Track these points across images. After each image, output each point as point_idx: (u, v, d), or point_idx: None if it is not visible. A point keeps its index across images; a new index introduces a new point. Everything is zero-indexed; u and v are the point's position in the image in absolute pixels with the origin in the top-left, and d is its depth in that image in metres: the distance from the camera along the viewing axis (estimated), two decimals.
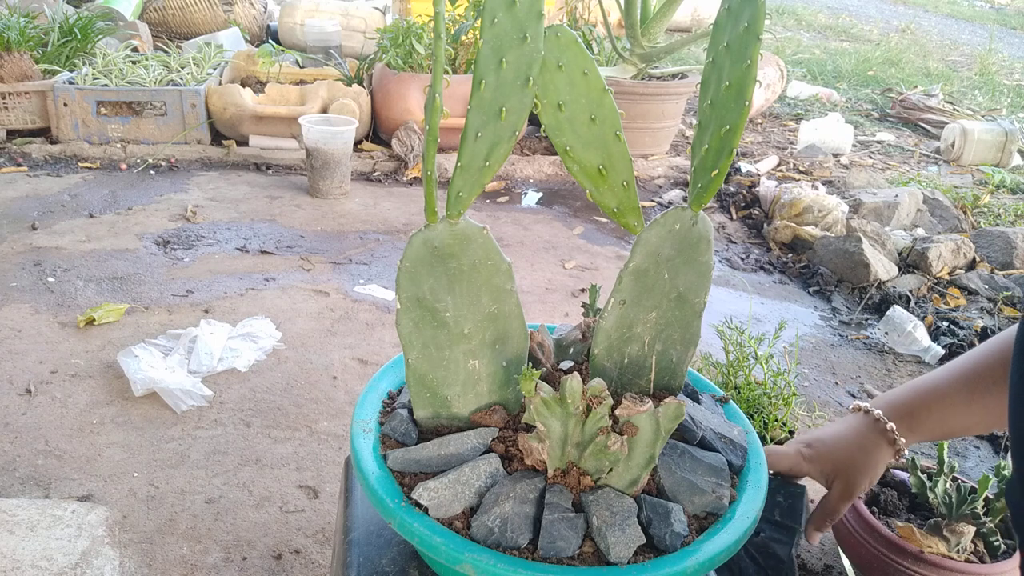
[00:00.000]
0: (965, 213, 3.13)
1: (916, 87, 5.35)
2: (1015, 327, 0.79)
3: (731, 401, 0.88)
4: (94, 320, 1.99)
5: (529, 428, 0.72)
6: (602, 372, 0.79)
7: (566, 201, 3.23)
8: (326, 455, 1.60)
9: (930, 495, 1.24)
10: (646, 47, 3.46)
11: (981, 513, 1.20)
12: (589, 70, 0.74)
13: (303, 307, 2.17)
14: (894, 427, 0.84)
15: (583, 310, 0.94)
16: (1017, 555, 1.18)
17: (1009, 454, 0.62)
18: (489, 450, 0.74)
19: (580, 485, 0.70)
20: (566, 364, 0.86)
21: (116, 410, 1.68)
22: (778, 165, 3.71)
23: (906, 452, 0.86)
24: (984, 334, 2.23)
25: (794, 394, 1.47)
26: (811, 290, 2.54)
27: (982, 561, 1.18)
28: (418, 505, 0.68)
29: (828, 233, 2.76)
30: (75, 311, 2.06)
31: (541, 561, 0.64)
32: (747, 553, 0.86)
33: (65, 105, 3.19)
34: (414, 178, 3.31)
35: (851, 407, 0.91)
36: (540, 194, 3.32)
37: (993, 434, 1.85)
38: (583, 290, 2.41)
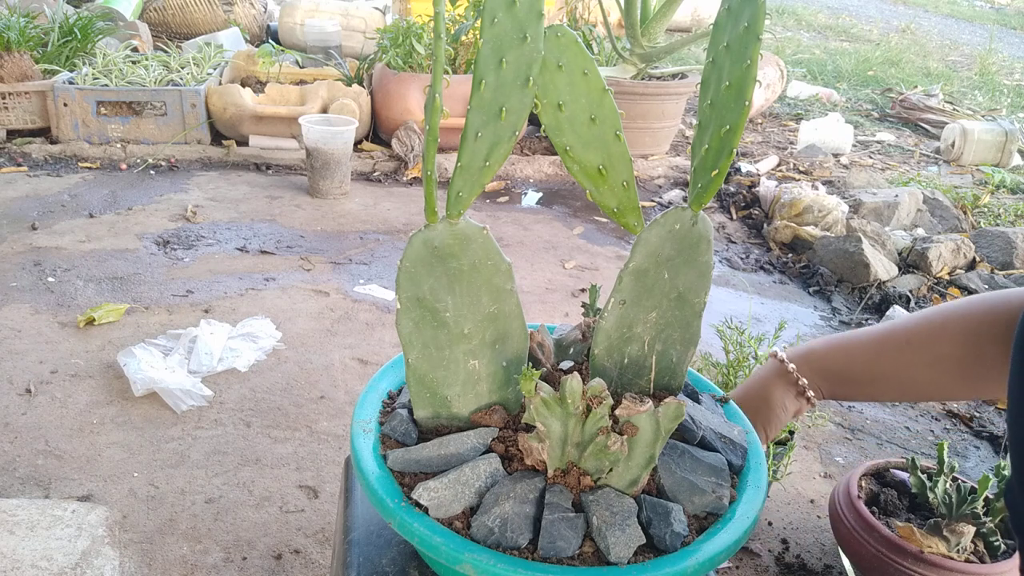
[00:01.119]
0: (965, 213, 3.13)
1: (916, 87, 5.35)
2: (949, 304, 0.79)
3: (731, 401, 0.88)
4: (94, 320, 1.99)
5: (529, 428, 0.72)
6: (602, 372, 0.80)
7: (566, 201, 3.23)
8: (326, 455, 1.60)
9: (930, 495, 1.24)
10: (646, 47, 3.46)
11: (981, 513, 1.20)
12: (589, 70, 0.74)
13: (303, 307, 2.17)
14: (795, 368, 0.83)
15: (583, 310, 0.94)
16: (1017, 555, 1.18)
17: (1008, 455, 0.62)
18: (489, 450, 0.74)
19: (580, 485, 0.70)
20: (566, 364, 0.86)
21: (116, 410, 1.68)
22: (778, 165, 3.71)
23: (813, 400, 0.84)
24: None
25: None
26: (811, 290, 2.54)
27: (982, 561, 1.18)
28: (418, 505, 0.68)
29: (828, 233, 2.76)
30: (75, 311, 2.06)
31: (541, 561, 0.64)
32: None
33: (65, 105, 3.19)
34: (414, 178, 3.31)
35: (769, 352, 0.89)
36: (540, 194, 3.32)
37: (993, 434, 1.85)
38: (583, 290, 2.41)
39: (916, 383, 0.79)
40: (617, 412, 0.67)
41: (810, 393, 0.84)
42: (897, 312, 2.25)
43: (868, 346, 0.81)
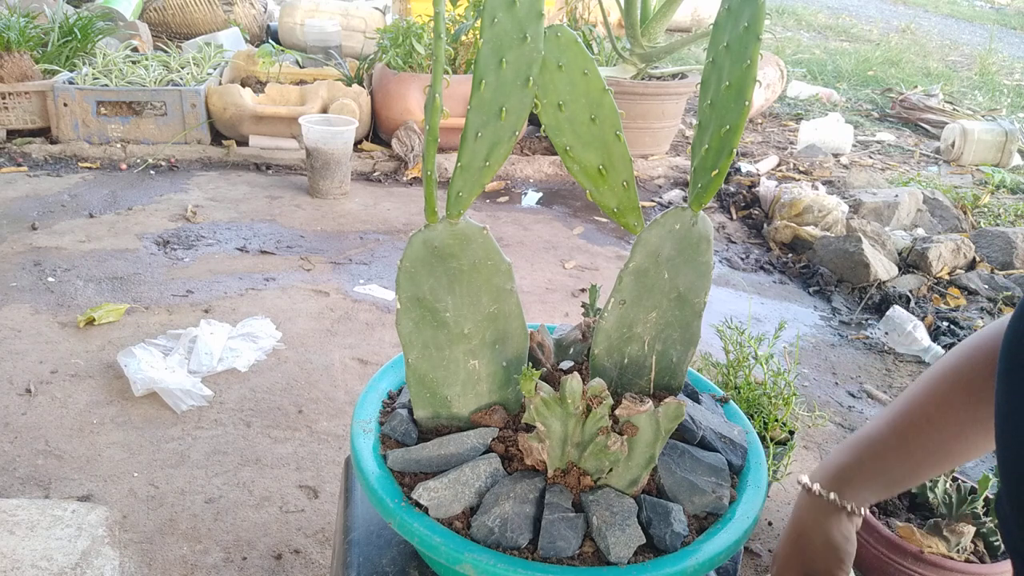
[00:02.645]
0: (965, 213, 3.13)
1: (916, 87, 5.35)
2: (944, 359, 0.77)
3: (731, 401, 0.88)
4: (94, 320, 1.99)
5: (529, 428, 0.72)
6: (602, 372, 0.80)
7: (566, 201, 3.23)
8: (326, 455, 1.60)
9: (930, 495, 1.24)
10: (646, 47, 3.46)
11: (981, 513, 1.20)
12: (589, 70, 0.74)
13: (303, 307, 2.17)
14: (836, 497, 0.78)
15: (583, 310, 0.94)
16: None
17: (997, 467, 0.61)
18: (489, 450, 0.74)
19: (580, 485, 0.70)
20: (566, 364, 0.86)
21: (116, 410, 1.68)
22: (778, 165, 3.71)
23: (864, 510, 0.79)
24: None
25: (794, 394, 1.47)
26: (811, 290, 2.54)
27: (982, 561, 1.18)
28: (418, 505, 0.68)
29: (828, 233, 2.76)
30: (75, 311, 2.06)
31: (541, 561, 0.64)
32: None
33: (65, 105, 3.19)
34: (414, 178, 3.31)
35: (800, 483, 0.84)
36: (540, 194, 3.32)
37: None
38: (583, 290, 2.41)
39: (952, 456, 0.75)
40: (617, 412, 0.67)
41: (859, 511, 0.79)
42: (897, 312, 2.25)
43: (894, 443, 0.77)
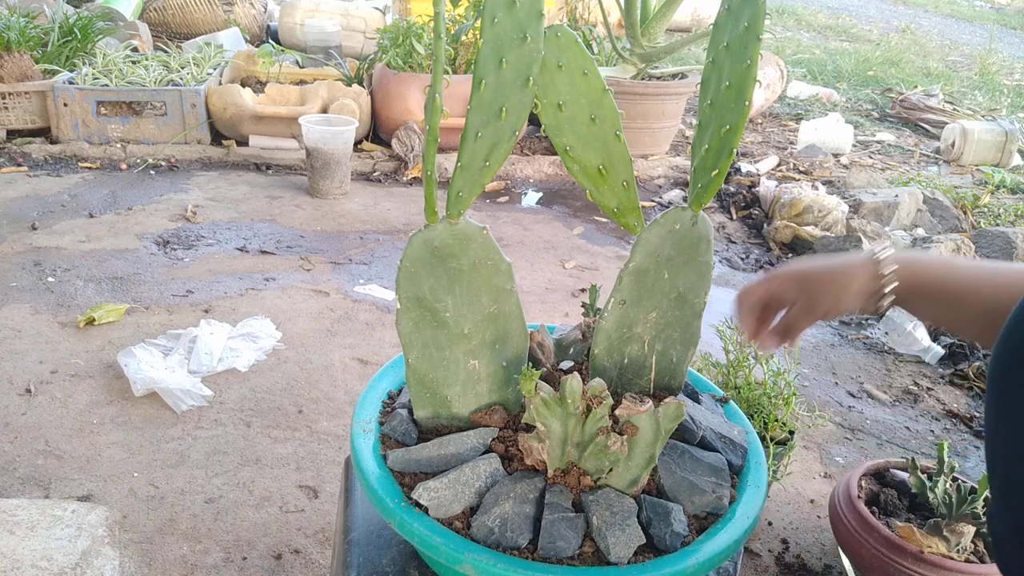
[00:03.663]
0: (965, 213, 3.12)
1: (916, 87, 5.34)
2: None
3: (731, 401, 0.88)
4: (94, 320, 1.99)
5: (529, 428, 0.72)
6: (602, 372, 0.80)
7: (566, 201, 3.23)
8: (326, 455, 1.60)
9: (930, 495, 1.24)
10: (646, 47, 3.46)
11: (981, 513, 1.20)
12: (589, 70, 0.74)
13: (303, 307, 2.17)
14: (895, 272, 0.75)
15: (583, 310, 0.94)
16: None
17: (988, 476, 0.59)
18: (489, 450, 0.74)
19: (580, 485, 0.70)
20: (566, 364, 0.86)
21: (116, 410, 1.68)
22: (778, 165, 3.71)
23: (885, 303, 0.76)
24: None
25: (794, 394, 1.47)
26: None
27: (982, 561, 1.18)
28: (418, 505, 0.68)
29: (828, 233, 2.76)
30: (75, 311, 2.06)
31: (541, 561, 0.64)
32: None
33: (65, 105, 3.19)
34: (414, 178, 3.31)
35: (873, 250, 0.81)
36: (540, 194, 3.32)
37: None
38: (583, 290, 2.41)
39: (1001, 302, 0.71)
40: (617, 412, 0.67)
41: (886, 301, 0.76)
42: (897, 312, 2.25)
43: (970, 271, 0.74)
